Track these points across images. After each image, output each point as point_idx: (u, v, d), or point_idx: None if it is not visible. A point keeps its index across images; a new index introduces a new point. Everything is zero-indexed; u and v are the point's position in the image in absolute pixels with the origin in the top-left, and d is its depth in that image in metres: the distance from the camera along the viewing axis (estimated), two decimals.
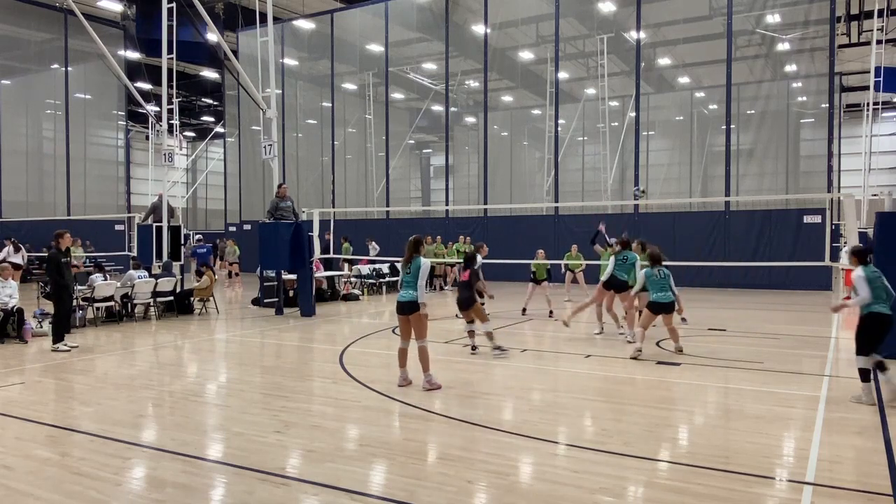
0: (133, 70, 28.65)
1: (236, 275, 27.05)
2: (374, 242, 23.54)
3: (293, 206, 15.41)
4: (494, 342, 9.87)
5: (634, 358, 9.48)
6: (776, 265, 19.23)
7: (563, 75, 26.15)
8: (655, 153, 27.74)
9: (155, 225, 15.98)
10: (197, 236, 24.96)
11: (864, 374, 7.03)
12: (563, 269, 17.66)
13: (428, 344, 7.91)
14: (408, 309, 7.76)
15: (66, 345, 10.50)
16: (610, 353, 10.15)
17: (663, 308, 9.76)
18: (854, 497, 4.59)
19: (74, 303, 13.25)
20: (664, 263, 10.05)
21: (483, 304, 10.37)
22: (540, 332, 12.80)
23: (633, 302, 11.18)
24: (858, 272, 7.21)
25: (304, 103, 32.15)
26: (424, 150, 37.73)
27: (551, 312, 14.43)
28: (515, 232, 24.14)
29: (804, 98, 23.38)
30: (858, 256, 7.43)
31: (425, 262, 7.89)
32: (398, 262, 23.63)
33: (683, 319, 12.53)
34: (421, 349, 7.79)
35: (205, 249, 23.48)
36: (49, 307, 12.98)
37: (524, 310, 14.77)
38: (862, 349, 7.05)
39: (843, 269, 16.37)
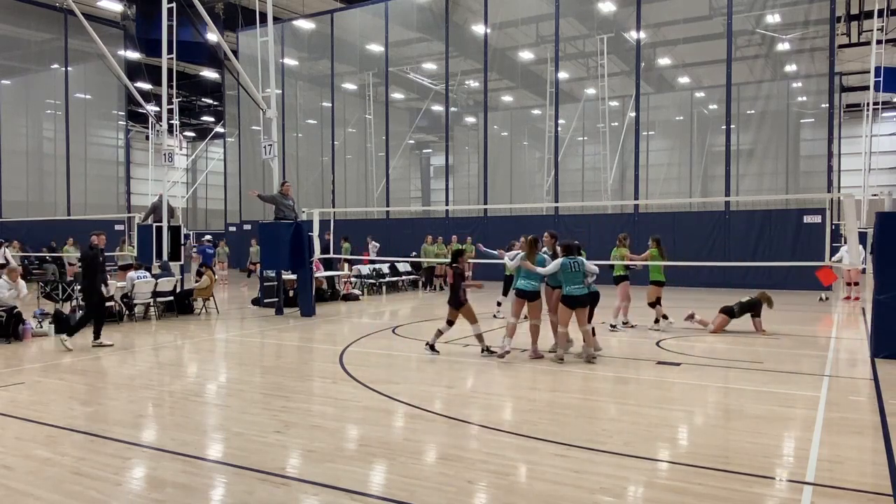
0: (133, 70, 28.65)
1: (252, 272, 26.89)
2: (374, 241, 23.56)
3: (294, 206, 15.41)
4: (483, 344, 9.88)
5: (560, 360, 9.34)
6: (776, 265, 19.21)
7: (563, 75, 26.15)
8: (655, 153, 27.73)
9: (155, 225, 15.98)
10: (207, 237, 25.02)
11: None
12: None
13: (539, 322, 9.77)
14: (532, 296, 9.50)
15: (66, 341, 10.60)
16: (609, 352, 10.14)
17: (578, 302, 9.31)
18: (854, 497, 4.59)
19: (75, 303, 13.31)
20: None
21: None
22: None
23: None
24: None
25: (304, 103, 32.16)
26: (424, 150, 37.72)
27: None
28: (515, 232, 24.06)
29: (804, 98, 23.37)
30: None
31: (544, 258, 9.62)
32: (399, 261, 23.53)
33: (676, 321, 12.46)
34: (534, 326, 9.70)
35: (212, 250, 23.60)
36: (49, 307, 13.05)
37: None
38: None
39: (846, 269, 16.36)
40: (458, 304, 9.78)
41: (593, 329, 9.70)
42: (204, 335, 12.52)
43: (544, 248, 10.46)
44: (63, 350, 10.44)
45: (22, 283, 11.60)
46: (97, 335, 10.86)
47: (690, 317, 12.36)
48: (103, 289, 11.32)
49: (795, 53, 22.51)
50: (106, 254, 11.96)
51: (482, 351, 9.85)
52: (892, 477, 4.94)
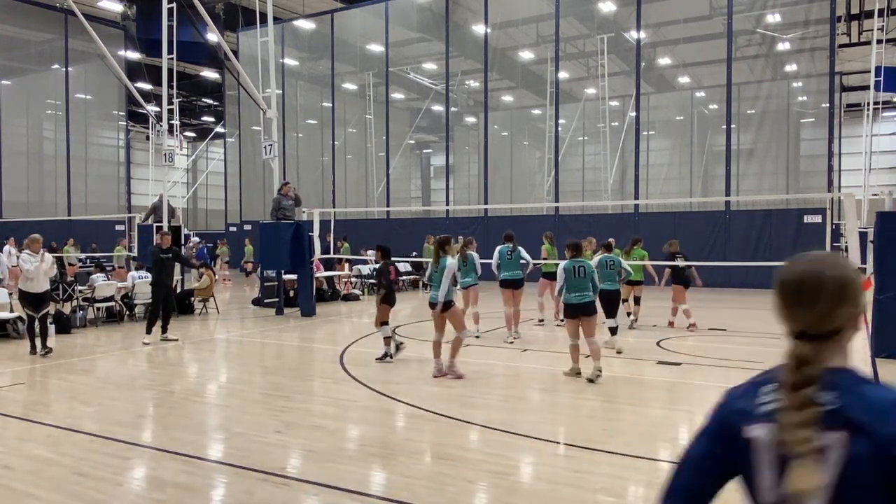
0: (133, 70, 28.61)
1: (250, 273, 26.97)
2: (370, 251, 23.50)
3: (294, 206, 15.42)
4: (389, 349, 9.38)
5: (578, 374, 8.28)
6: (776, 265, 19.12)
7: (563, 75, 26.15)
8: (655, 153, 27.73)
9: (155, 225, 15.98)
10: (194, 239, 25.07)
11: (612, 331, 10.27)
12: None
13: (465, 336, 8.55)
14: (442, 307, 8.28)
15: (145, 342, 11.03)
16: (610, 352, 10.13)
17: (581, 310, 8.23)
18: None
19: (76, 303, 13.31)
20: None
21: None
22: (539, 332, 12.78)
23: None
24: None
25: (304, 103, 32.16)
26: (424, 150, 37.74)
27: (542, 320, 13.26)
28: (516, 232, 24.02)
29: (804, 98, 23.38)
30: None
31: (451, 262, 8.37)
32: (399, 261, 23.57)
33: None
34: (457, 339, 8.31)
35: (206, 251, 23.72)
36: (49, 307, 13.01)
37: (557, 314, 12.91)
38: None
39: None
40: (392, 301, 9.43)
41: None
42: (204, 335, 12.53)
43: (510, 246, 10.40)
44: (149, 343, 10.92)
45: (47, 255, 10.57)
46: (165, 329, 11.40)
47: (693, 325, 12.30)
48: (176, 278, 11.84)
49: (795, 53, 22.51)
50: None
51: (384, 356, 9.42)
52: None
